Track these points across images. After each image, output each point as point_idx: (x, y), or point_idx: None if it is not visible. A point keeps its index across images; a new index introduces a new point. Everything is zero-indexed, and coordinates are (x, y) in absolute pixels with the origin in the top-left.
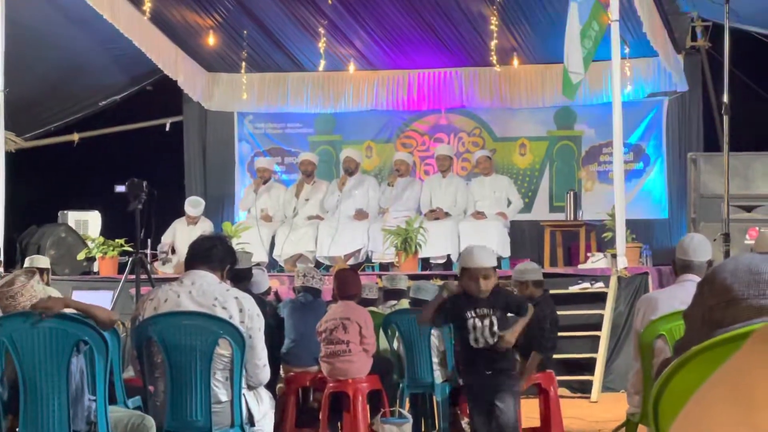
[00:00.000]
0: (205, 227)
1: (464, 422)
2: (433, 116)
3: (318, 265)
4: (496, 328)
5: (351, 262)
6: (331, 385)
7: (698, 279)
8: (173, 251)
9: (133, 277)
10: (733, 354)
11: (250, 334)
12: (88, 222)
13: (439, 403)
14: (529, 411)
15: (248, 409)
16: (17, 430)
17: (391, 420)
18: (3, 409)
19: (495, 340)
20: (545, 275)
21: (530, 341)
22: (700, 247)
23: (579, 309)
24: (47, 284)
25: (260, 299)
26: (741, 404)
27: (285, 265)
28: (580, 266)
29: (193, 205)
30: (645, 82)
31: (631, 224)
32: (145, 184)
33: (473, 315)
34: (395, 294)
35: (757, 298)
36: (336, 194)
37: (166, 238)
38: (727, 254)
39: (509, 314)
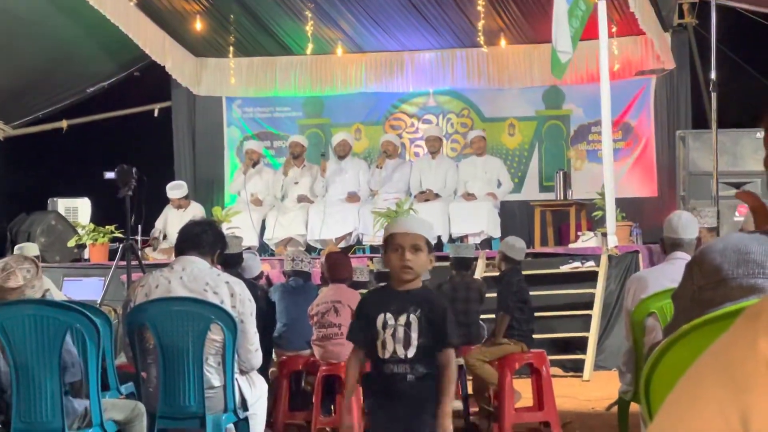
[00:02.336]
0: (196, 212)
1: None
2: (422, 98)
3: (309, 248)
4: (415, 334)
5: (342, 245)
6: (323, 368)
7: (688, 256)
8: (164, 236)
9: (123, 263)
10: (723, 332)
11: (241, 319)
12: (78, 209)
13: None
14: (522, 391)
15: (241, 394)
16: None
17: None
18: None
19: (411, 353)
20: (536, 255)
21: (498, 304)
22: (688, 224)
23: (570, 288)
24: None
25: (252, 284)
26: (731, 383)
27: (276, 249)
28: (570, 245)
29: (173, 188)
30: (633, 61)
31: (620, 203)
32: (134, 170)
33: (385, 310)
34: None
35: (746, 278)
36: (321, 181)
37: (157, 224)
38: (717, 231)
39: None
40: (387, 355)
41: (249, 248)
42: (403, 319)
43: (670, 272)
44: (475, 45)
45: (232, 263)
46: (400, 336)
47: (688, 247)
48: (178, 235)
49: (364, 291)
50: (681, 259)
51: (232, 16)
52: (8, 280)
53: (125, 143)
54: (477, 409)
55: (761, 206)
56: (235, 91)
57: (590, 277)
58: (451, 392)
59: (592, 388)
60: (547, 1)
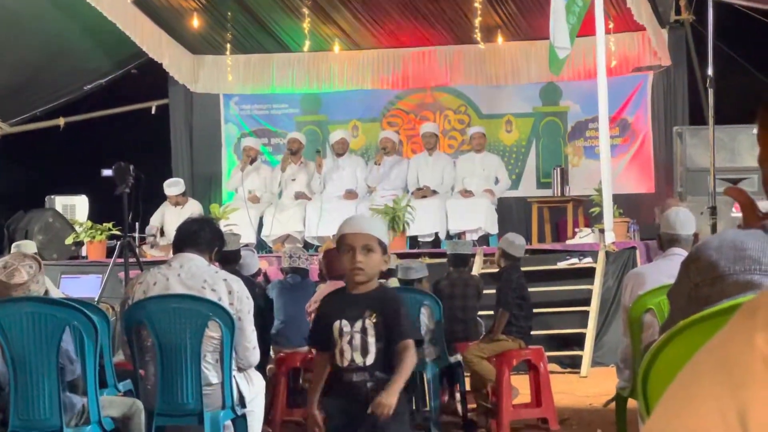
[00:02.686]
0: (193, 209)
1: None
2: (419, 94)
3: (306, 245)
4: (372, 339)
5: None
6: None
7: (685, 252)
8: (161, 234)
9: (121, 260)
10: (720, 329)
11: (239, 316)
12: (76, 206)
13: (430, 382)
14: (520, 387)
15: (239, 391)
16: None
17: None
18: None
19: (370, 360)
20: (533, 251)
21: (497, 300)
22: (686, 220)
23: (567, 285)
24: None
25: (249, 281)
26: (728, 379)
27: (273, 246)
28: (568, 242)
29: (171, 185)
30: (630, 57)
31: (618, 199)
32: (131, 167)
33: (340, 316)
34: (384, 273)
35: (743, 274)
36: (317, 177)
37: (154, 221)
38: (714, 227)
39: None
40: (345, 364)
41: (246, 245)
42: (358, 325)
43: (667, 268)
44: (473, 42)
45: (229, 260)
46: (357, 343)
47: (685, 243)
48: (176, 232)
49: None
50: (678, 255)
51: (229, 14)
52: (13, 276)
53: (122, 141)
54: (475, 406)
55: (750, 203)
56: (233, 88)
57: (588, 274)
58: (403, 373)
59: (589, 385)
60: None
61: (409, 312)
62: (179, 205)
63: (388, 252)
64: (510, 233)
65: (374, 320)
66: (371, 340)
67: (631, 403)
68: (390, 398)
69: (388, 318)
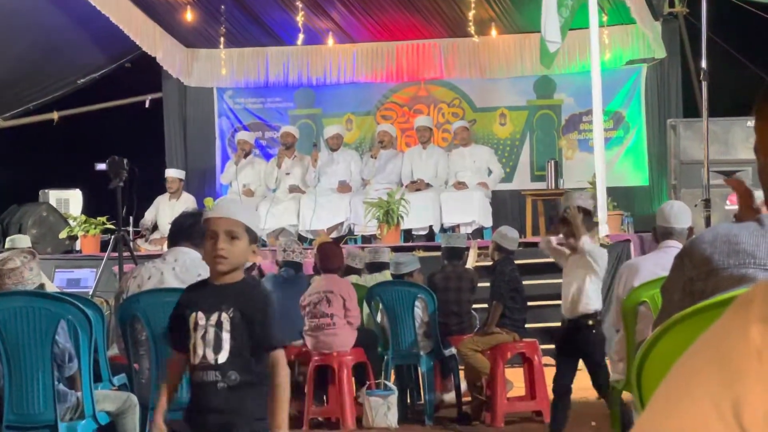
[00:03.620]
0: (188, 203)
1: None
2: (413, 88)
3: (301, 238)
4: (226, 334)
5: (333, 235)
6: (316, 358)
7: (679, 245)
8: (155, 228)
9: (115, 254)
10: (714, 322)
11: None
12: (70, 200)
13: (424, 375)
14: (514, 380)
15: None
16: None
17: (377, 392)
18: None
19: (223, 357)
20: (527, 244)
21: (491, 293)
22: (681, 213)
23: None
24: None
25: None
26: (722, 371)
27: (267, 240)
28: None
29: (171, 173)
30: (623, 50)
31: (612, 192)
32: (125, 161)
33: (197, 308)
34: (378, 266)
35: (737, 268)
36: (312, 171)
37: (148, 215)
38: (708, 220)
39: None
40: (197, 361)
41: None
42: (214, 318)
43: (662, 260)
44: (466, 35)
45: None
46: (210, 338)
47: (679, 236)
48: (171, 226)
49: (356, 278)
50: (672, 248)
51: (222, 7)
52: (6, 263)
53: (116, 134)
54: (469, 399)
55: (748, 193)
56: (226, 82)
57: None
58: (282, 401)
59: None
60: None
61: (275, 313)
62: (174, 197)
63: (258, 242)
64: (503, 226)
65: (232, 314)
66: (225, 335)
67: (626, 395)
68: None
69: (252, 317)
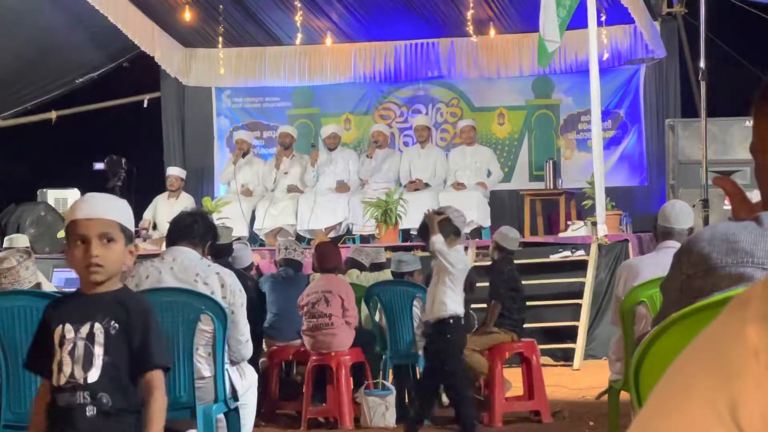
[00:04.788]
0: (186, 203)
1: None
2: (411, 87)
3: (299, 238)
4: (99, 349)
5: (332, 235)
6: (314, 358)
7: (677, 245)
8: (154, 227)
9: None
10: (711, 320)
11: (232, 310)
12: (68, 200)
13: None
14: (512, 380)
15: (231, 384)
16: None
17: (375, 392)
18: None
19: (94, 376)
20: (525, 244)
21: (490, 292)
22: (682, 214)
23: (560, 277)
24: None
25: (242, 274)
26: (719, 371)
27: (266, 239)
28: (560, 235)
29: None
30: (622, 50)
31: (610, 192)
32: (123, 161)
33: (65, 320)
34: (377, 266)
35: (735, 266)
36: (311, 171)
37: (146, 215)
38: (706, 220)
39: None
40: (63, 381)
41: (239, 239)
42: (85, 330)
43: (662, 261)
44: (465, 34)
45: (221, 253)
46: (79, 353)
47: (680, 236)
48: (170, 225)
49: (355, 275)
50: (672, 248)
51: (221, 6)
52: (2, 262)
53: (114, 134)
54: None
55: (738, 192)
56: (225, 82)
57: (580, 266)
58: (155, 428)
59: (582, 377)
60: None
61: (160, 327)
62: (173, 196)
63: (135, 241)
64: (505, 226)
65: (105, 326)
66: (98, 350)
67: (624, 395)
68: None
69: (131, 331)
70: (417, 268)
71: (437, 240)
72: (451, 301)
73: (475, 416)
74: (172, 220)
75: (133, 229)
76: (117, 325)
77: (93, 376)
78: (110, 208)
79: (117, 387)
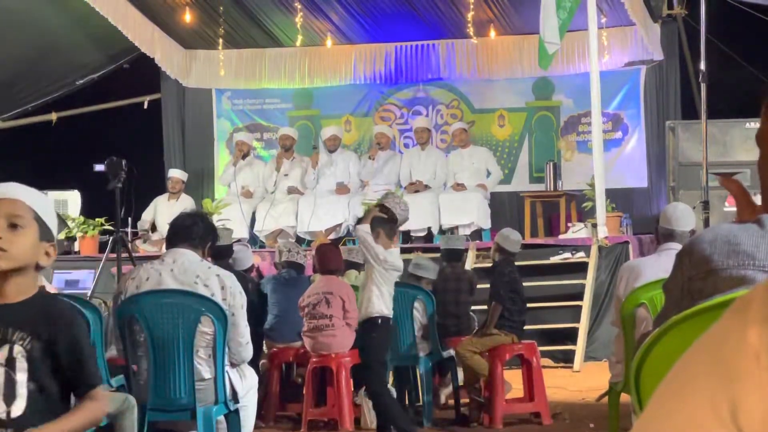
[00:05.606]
0: (186, 204)
1: (444, 393)
2: (411, 89)
3: (299, 240)
4: (22, 376)
5: (332, 236)
6: (314, 359)
7: (680, 247)
8: (154, 229)
9: (114, 255)
10: (713, 323)
11: (232, 312)
12: (68, 201)
13: (422, 376)
14: (513, 382)
15: (232, 386)
16: None
17: None
18: None
19: (19, 408)
20: (526, 246)
21: (490, 294)
22: (684, 216)
23: (560, 279)
24: None
25: (242, 276)
26: (720, 373)
27: (266, 241)
28: (560, 236)
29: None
30: (622, 52)
31: (610, 193)
32: (124, 162)
33: None
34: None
35: (737, 269)
36: (312, 173)
37: (146, 216)
38: (706, 222)
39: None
40: None
41: (239, 240)
42: (2, 355)
43: (664, 262)
44: (465, 36)
45: (222, 255)
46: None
47: (681, 238)
48: (169, 227)
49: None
50: (673, 250)
51: (221, 8)
52: None
53: (115, 135)
54: (468, 400)
55: (744, 193)
56: (225, 83)
57: (580, 268)
58: (76, 421)
59: (582, 379)
60: None
61: (88, 336)
62: (173, 197)
63: (54, 241)
64: (506, 228)
65: (28, 346)
66: (21, 377)
67: (624, 397)
68: None
69: (58, 350)
70: (431, 278)
71: (360, 228)
72: (379, 301)
73: (399, 416)
74: (172, 222)
75: (55, 230)
76: (39, 344)
77: (17, 409)
78: (27, 193)
79: (47, 416)
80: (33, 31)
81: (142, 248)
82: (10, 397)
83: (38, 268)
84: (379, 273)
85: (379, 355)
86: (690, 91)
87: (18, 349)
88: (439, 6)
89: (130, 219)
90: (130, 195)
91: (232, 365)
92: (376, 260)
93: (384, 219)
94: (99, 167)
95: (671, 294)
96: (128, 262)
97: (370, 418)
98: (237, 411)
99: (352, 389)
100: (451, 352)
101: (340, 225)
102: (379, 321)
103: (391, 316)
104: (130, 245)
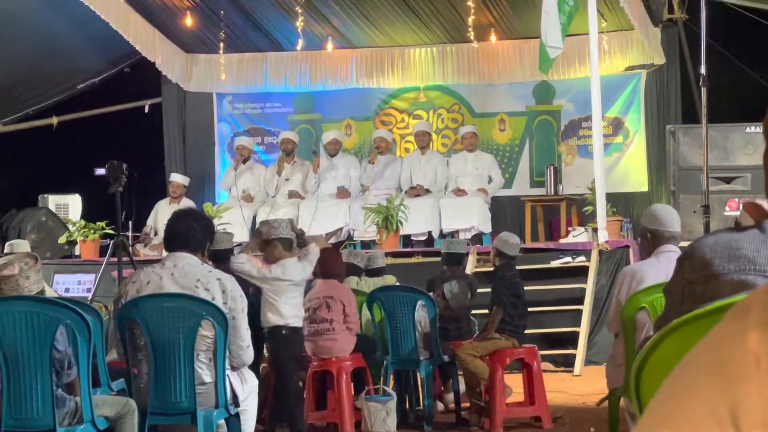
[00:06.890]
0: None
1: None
2: (412, 93)
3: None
4: None
5: (333, 240)
6: (315, 363)
7: (677, 249)
8: (155, 233)
9: (114, 259)
10: (712, 327)
11: (233, 315)
12: (69, 205)
13: (423, 380)
14: (513, 386)
15: (232, 390)
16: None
17: (375, 397)
18: None
19: None
20: (526, 250)
21: (492, 298)
22: (672, 216)
23: (561, 283)
24: None
25: (242, 279)
26: (720, 377)
27: None
28: (561, 241)
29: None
30: (623, 56)
31: (611, 198)
32: (125, 166)
33: None
34: (373, 272)
35: (738, 273)
36: (313, 177)
37: (149, 221)
38: (707, 226)
39: None
40: None
41: (240, 244)
42: None
43: (663, 266)
44: (466, 40)
45: (222, 259)
46: None
47: (676, 240)
48: (165, 230)
49: (355, 280)
50: (672, 252)
51: (222, 12)
52: (4, 269)
53: (116, 139)
54: (468, 404)
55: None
56: (226, 87)
57: (581, 272)
58: None
59: (582, 383)
60: None
61: None
62: (174, 201)
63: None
64: (504, 232)
65: None
66: None
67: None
68: None
69: None
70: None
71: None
72: (273, 312)
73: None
74: (168, 226)
75: None
76: None
77: None
78: None
79: None
80: (34, 35)
81: (143, 252)
82: None
83: None
84: (269, 290)
85: (287, 361)
86: (690, 95)
87: None
88: (440, 10)
89: (130, 223)
90: (131, 199)
91: (233, 369)
92: (263, 282)
93: (286, 243)
94: (100, 171)
95: (672, 298)
96: (129, 266)
97: (371, 422)
98: (237, 415)
99: (353, 393)
100: (452, 355)
101: (340, 229)
102: (284, 331)
103: (295, 324)
104: (130, 249)
